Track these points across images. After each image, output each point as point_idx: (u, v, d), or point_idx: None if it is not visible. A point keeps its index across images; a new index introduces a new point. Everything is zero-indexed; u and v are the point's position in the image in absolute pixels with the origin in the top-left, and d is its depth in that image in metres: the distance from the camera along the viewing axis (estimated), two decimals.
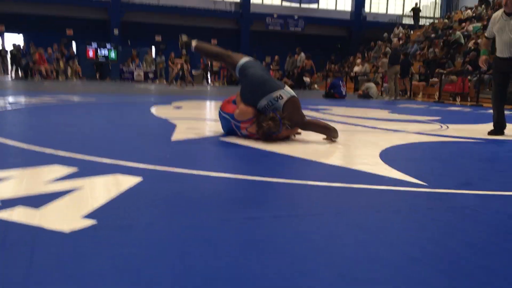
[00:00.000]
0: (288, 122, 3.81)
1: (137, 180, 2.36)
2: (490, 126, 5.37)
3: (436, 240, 1.68)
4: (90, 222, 1.70)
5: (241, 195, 2.25)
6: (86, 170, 2.54)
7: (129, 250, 1.47)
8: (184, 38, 4.48)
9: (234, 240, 1.59)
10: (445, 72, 15.34)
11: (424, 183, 2.55)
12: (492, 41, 5.41)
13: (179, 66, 17.77)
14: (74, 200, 1.97)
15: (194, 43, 4.41)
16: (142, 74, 21.61)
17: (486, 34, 5.39)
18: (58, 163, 2.68)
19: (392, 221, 1.90)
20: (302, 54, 19.83)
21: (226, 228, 1.71)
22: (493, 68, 5.35)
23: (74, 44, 23.82)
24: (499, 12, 5.16)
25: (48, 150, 3.10)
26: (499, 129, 5.24)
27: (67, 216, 1.76)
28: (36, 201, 1.93)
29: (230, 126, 4.12)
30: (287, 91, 3.91)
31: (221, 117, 4.22)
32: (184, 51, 17.27)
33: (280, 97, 3.84)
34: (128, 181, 2.32)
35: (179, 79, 18.33)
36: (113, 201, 1.98)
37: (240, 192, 2.32)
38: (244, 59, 4.14)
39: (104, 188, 2.19)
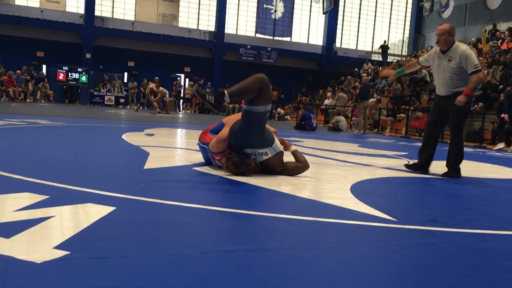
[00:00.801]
0: (249, 174, 3.75)
1: (110, 209, 2.34)
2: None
3: (407, 275, 1.73)
4: (62, 252, 1.67)
5: (215, 227, 2.26)
6: (58, 198, 2.51)
7: (103, 283, 1.46)
8: (209, 93, 3.60)
9: (210, 273, 1.60)
10: (411, 108, 15.84)
11: (394, 219, 2.62)
12: (417, 69, 5.53)
13: (159, 95, 17.67)
14: (46, 230, 1.94)
15: (226, 92, 3.60)
16: (113, 98, 21.44)
17: (419, 59, 5.18)
18: (28, 190, 2.63)
19: (364, 256, 1.95)
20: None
21: (202, 260, 1.72)
22: (432, 104, 5.14)
23: (44, 66, 23.51)
24: (435, 49, 4.93)
25: (18, 176, 3.04)
26: (420, 164, 4.99)
27: (38, 246, 1.73)
28: (7, 230, 1.89)
29: (206, 156, 4.19)
30: (274, 149, 3.84)
31: (199, 146, 4.29)
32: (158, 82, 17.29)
33: (265, 154, 3.85)
34: (101, 211, 2.30)
35: (142, 104, 18.42)
36: (86, 231, 1.96)
37: (214, 223, 2.32)
38: (264, 108, 3.70)
39: (76, 218, 2.16)
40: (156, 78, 18.16)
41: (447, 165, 4.89)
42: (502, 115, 11.19)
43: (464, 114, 4.78)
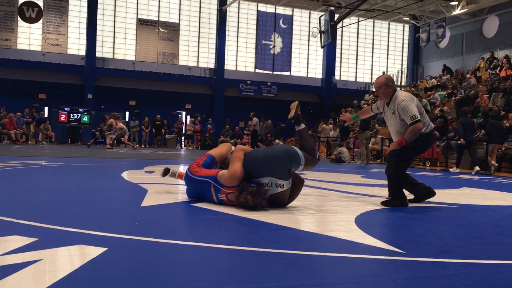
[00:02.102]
0: (266, 204, 3.73)
1: (102, 250, 2.21)
2: (461, 191, 5.41)
3: None
4: None
5: (212, 266, 2.12)
6: (48, 240, 2.39)
7: None
8: (298, 116, 4.31)
9: None
10: None
11: (402, 251, 2.48)
12: (370, 116, 5.27)
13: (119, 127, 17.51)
14: (32, 274, 1.82)
15: (303, 126, 4.29)
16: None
17: (372, 106, 4.97)
18: (17, 233, 2.52)
19: None
20: (255, 119, 21.55)
21: None
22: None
23: (46, 108, 23.66)
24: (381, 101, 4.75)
25: (7, 218, 2.93)
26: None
27: None
28: None
29: (202, 190, 3.95)
30: (289, 183, 3.88)
31: (193, 181, 4.01)
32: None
33: (281, 186, 3.81)
34: (92, 252, 2.18)
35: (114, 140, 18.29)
36: (74, 275, 1.83)
37: (211, 262, 2.19)
38: (302, 167, 4.01)
39: (65, 261, 2.04)
40: (114, 113, 17.97)
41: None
42: (459, 142, 11.88)
43: (404, 157, 4.48)
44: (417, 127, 4.30)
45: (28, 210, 3.37)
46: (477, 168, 11.37)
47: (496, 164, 12.33)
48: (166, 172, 4.72)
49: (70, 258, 2.09)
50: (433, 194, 4.72)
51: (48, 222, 2.84)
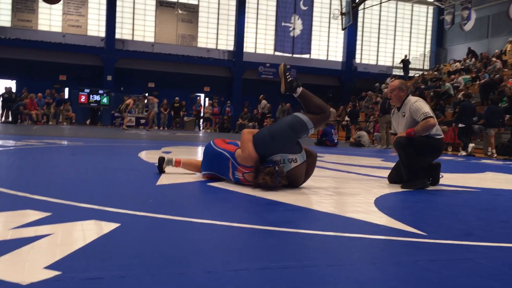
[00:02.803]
0: (285, 181, 3.67)
1: (114, 226, 2.17)
2: (485, 176, 5.26)
3: None
4: (53, 273, 1.50)
5: (226, 244, 2.06)
6: (61, 215, 2.35)
7: None
8: (289, 76, 4.01)
9: None
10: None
11: (423, 233, 2.39)
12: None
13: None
14: (41, 248, 1.78)
15: (300, 89, 3.95)
16: (133, 119, 21.54)
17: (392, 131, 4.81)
18: (32, 207, 2.49)
19: (392, 274, 1.72)
20: (264, 102, 21.79)
21: (207, 280, 1.52)
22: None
23: (66, 90, 23.87)
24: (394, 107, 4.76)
25: (23, 194, 2.91)
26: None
27: (28, 267, 1.56)
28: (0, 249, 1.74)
29: (219, 164, 3.86)
30: (303, 156, 3.79)
31: (212, 152, 3.93)
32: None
33: (295, 160, 3.72)
34: (104, 228, 2.14)
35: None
36: (83, 250, 1.79)
37: (225, 240, 2.13)
38: (313, 130, 3.90)
39: (76, 235, 2.00)
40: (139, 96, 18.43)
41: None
42: (460, 125, 12.48)
43: (412, 146, 4.32)
44: (430, 121, 4.28)
45: (43, 186, 3.36)
46: (464, 153, 12.00)
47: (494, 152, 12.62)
48: (161, 161, 4.37)
49: (83, 232, 2.05)
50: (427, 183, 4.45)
51: (62, 198, 2.81)
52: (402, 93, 4.55)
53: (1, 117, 20.28)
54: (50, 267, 1.57)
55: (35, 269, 1.54)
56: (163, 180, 3.95)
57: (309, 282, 1.58)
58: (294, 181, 3.79)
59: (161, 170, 4.39)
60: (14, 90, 21.55)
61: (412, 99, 4.51)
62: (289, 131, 3.74)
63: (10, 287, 1.38)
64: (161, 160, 4.38)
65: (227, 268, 1.67)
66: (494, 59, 20.78)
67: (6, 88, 20.29)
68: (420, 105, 4.38)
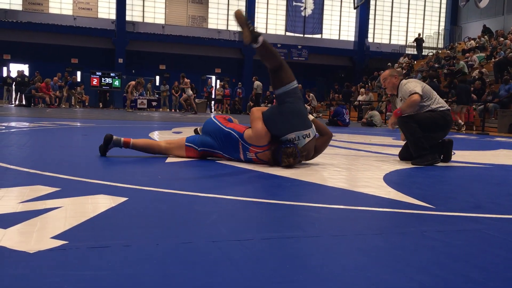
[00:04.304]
0: (304, 159, 3.76)
1: (121, 200, 2.19)
2: (498, 153, 5.20)
3: (447, 264, 1.50)
4: (59, 242, 1.53)
5: (232, 216, 2.07)
6: (69, 190, 2.39)
7: (99, 273, 1.30)
8: (249, 25, 3.51)
9: (219, 262, 1.41)
10: (449, 101, 15.24)
11: (432, 206, 2.37)
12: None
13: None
14: (48, 220, 1.81)
15: (262, 38, 3.54)
16: (145, 102, 21.61)
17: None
18: (41, 183, 2.53)
19: (396, 243, 1.72)
20: (257, 82, 21.90)
21: (212, 249, 1.54)
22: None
23: (79, 73, 23.99)
24: None
25: (33, 171, 2.95)
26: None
27: (35, 237, 1.59)
28: (8, 220, 1.77)
29: (226, 144, 3.77)
30: (313, 130, 3.79)
31: (223, 132, 3.77)
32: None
33: (308, 136, 3.70)
34: (112, 201, 2.16)
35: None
36: (91, 221, 1.82)
37: (231, 212, 2.14)
38: (296, 82, 3.76)
39: (83, 208, 2.03)
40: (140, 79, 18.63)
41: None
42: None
43: (414, 120, 4.29)
44: (412, 98, 4.25)
45: (53, 164, 3.40)
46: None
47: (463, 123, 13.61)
48: (108, 141, 3.85)
49: (91, 205, 2.07)
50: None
51: (72, 174, 2.84)
52: (394, 80, 4.57)
53: (15, 100, 20.47)
54: (57, 237, 1.59)
55: (42, 239, 1.56)
56: (172, 158, 3.97)
57: (312, 250, 1.59)
58: (306, 155, 3.78)
59: (103, 153, 3.87)
60: (26, 73, 21.69)
61: (403, 81, 4.51)
62: (290, 108, 3.65)
63: (18, 256, 1.41)
64: (108, 139, 3.85)
65: (232, 237, 1.68)
66: (509, 38, 20.31)
67: (18, 72, 20.43)
68: (408, 86, 4.38)
